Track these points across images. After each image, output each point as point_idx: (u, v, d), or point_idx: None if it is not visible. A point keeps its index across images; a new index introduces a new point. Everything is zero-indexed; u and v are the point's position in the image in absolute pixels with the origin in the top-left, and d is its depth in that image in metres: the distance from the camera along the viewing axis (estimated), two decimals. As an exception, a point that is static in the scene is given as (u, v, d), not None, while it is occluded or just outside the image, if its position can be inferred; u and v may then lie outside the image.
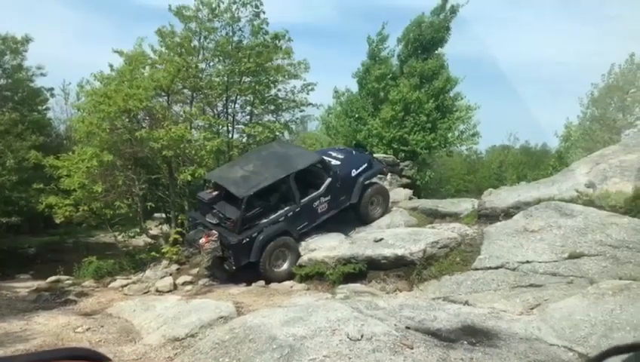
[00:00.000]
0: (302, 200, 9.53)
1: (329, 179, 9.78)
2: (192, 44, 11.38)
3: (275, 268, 9.21)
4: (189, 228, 10.13)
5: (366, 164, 10.55)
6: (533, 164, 24.12)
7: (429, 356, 4.21)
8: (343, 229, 10.21)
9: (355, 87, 19.73)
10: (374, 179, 10.94)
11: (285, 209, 9.42)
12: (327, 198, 9.79)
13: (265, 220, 9.21)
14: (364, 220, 10.44)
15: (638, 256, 6.34)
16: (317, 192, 9.69)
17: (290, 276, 9.18)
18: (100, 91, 11.21)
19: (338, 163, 10.41)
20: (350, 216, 10.51)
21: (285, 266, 9.28)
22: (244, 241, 8.90)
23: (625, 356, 0.69)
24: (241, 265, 8.99)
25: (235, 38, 11.13)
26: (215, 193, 9.74)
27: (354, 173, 10.23)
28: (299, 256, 9.39)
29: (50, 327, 6.97)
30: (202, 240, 8.89)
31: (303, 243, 9.76)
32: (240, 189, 9.02)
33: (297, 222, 9.53)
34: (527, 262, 7.03)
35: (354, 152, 11.43)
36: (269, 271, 9.12)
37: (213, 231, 8.99)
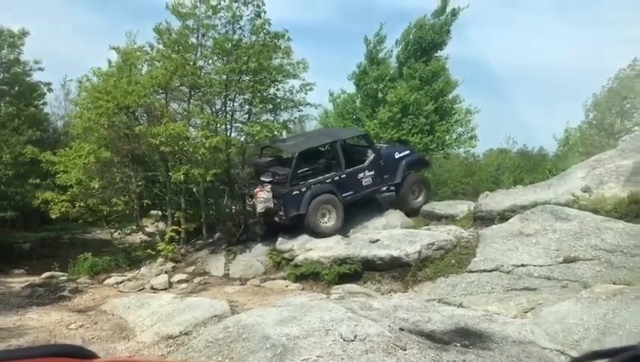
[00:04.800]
0: (347, 170, 10.32)
1: (373, 155, 10.68)
2: (190, 42, 11.35)
3: (322, 224, 9.89)
4: (242, 187, 11.01)
5: (408, 151, 11.61)
6: (530, 167, 24.09)
7: (421, 358, 4.21)
8: (340, 230, 10.23)
9: (350, 89, 19.69)
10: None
11: (332, 173, 10.28)
12: (371, 173, 10.61)
13: (313, 180, 10.06)
14: (404, 207, 11.03)
15: (632, 261, 6.36)
16: (362, 165, 10.57)
17: (335, 233, 9.83)
18: (99, 87, 11.17)
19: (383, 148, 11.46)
20: (348, 216, 10.51)
21: (332, 223, 9.98)
22: (294, 193, 9.75)
23: (605, 360, 0.69)
24: (291, 216, 9.72)
25: (235, 37, 11.10)
26: (270, 159, 11.00)
27: (397, 155, 11.16)
28: (344, 215, 10.13)
29: (43, 323, 6.96)
30: (257, 190, 9.67)
31: (298, 242, 9.81)
32: (291, 148, 10.38)
33: (343, 189, 10.28)
34: (522, 265, 7.05)
35: (397, 144, 12.85)
36: (315, 226, 9.78)
37: (267, 184, 9.85)
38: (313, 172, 10.33)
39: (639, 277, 5.93)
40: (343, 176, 10.29)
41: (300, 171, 10.08)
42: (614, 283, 5.80)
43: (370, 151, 10.82)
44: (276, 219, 9.95)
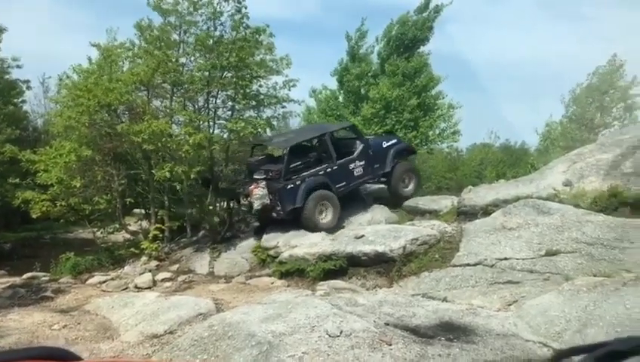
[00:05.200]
0: (338, 161, 10.56)
1: (362, 145, 10.99)
2: (172, 38, 11.24)
3: (321, 220, 10.06)
4: (237, 187, 10.92)
5: (396, 140, 12.00)
6: (512, 162, 24.33)
7: (407, 352, 4.23)
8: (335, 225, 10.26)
9: (333, 85, 19.72)
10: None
11: (324, 165, 10.50)
12: (361, 163, 10.87)
13: (306, 173, 10.25)
14: (395, 195, 11.42)
15: (612, 253, 6.46)
16: (352, 156, 10.84)
17: (331, 228, 9.97)
18: (80, 85, 11.01)
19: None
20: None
21: (329, 219, 10.15)
22: (289, 187, 9.85)
23: (580, 356, 0.71)
24: (288, 210, 9.80)
25: (217, 33, 11.02)
26: (261, 157, 11.37)
27: (385, 144, 11.49)
28: (339, 209, 10.33)
29: (25, 324, 6.85)
30: (251, 187, 9.83)
31: (283, 239, 9.81)
32: (282, 143, 10.60)
33: (336, 180, 10.50)
34: (505, 259, 7.12)
35: (383, 135, 13.41)
36: (313, 222, 9.91)
37: (261, 181, 9.95)
38: (305, 166, 10.55)
39: (619, 269, 6.03)
40: (335, 167, 10.51)
41: (292, 166, 10.25)
42: (595, 276, 5.89)
43: (358, 142, 11.08)
44: (274, 214, 10.00)
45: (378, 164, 11.16)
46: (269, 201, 9.78)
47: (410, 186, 11.68)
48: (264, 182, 9.89)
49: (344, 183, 10.62)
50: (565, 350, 0.76)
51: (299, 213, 9.87)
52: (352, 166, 10.76)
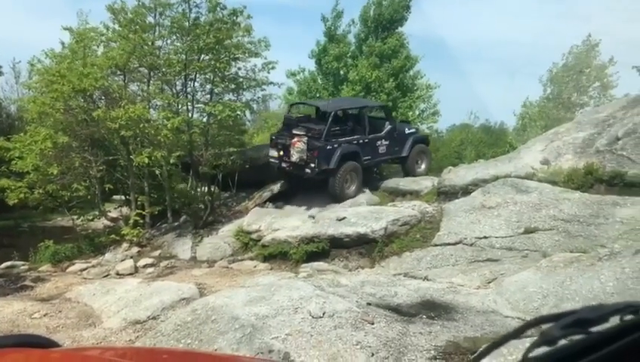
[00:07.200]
0: (369, 135, 11.13)
1: (389, 126, 11.58)
2: (147, 21, 11.01)
3: (346, 190, 10.54)
4: (275, 137, 11.11)
5: (415, 129, 12.94)
6: (492, 141, 24.58)
7: (389, 331, 4.29)
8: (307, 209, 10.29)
9: (310, 66, 19.59)
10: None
11: (356, 136, 11.04)
12: (386, 142, 11.48)
13: (341, 139, 10.69)
14: (409, 174, 12.00)
15: (588, 230, 6.61)
16: (380, 134, 11.40)
17: (354, 197, 10.52)
18: (53, 70, 10.75)
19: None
20: (315, 194, 10.60)
21: (353, 188, 10.67)
22: (328, 148, 10.22)
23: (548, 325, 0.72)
24: (322, 169, 10.11)
25: (192, 15, 10.83)
26: (301, 115, 11.82)
27: (407, 130, 12.24)
28: (362, 181, 10.87)
29: (4, 314, 6.75)
30: (295, 140, 10.15)
31: (265, 222, 9.83)
32: (329, 106, 11.03)
33: (364, 152, 10.98)
34: (485, 237, 7.24)
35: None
36: (341, 189, 10.43)
37: (303, 136, 10.25)
38: (341, 132, 11.04)
39: (594, 245, 6.18)
40: (366, 140, 11.06)
41: (332, 129, 10.63)
42: (571, 252, 6.02)
43: (387, 122, 11.66)
44: (307, 170, 10.23)
45: (398, 147, 11.74)
46: (305, 157, 10.04)
47: (423, 166, 12.30)
48: (305, 138, 10.16)
49: (369, 157, 11.12)
50: (533, 319, 0.78)
51: (327, 175, 10.24)
52: (378, 143, 11.33)
